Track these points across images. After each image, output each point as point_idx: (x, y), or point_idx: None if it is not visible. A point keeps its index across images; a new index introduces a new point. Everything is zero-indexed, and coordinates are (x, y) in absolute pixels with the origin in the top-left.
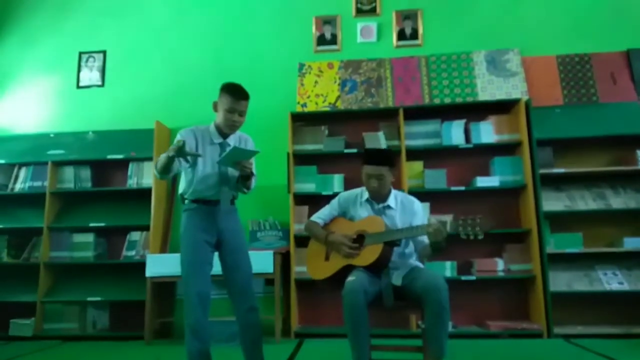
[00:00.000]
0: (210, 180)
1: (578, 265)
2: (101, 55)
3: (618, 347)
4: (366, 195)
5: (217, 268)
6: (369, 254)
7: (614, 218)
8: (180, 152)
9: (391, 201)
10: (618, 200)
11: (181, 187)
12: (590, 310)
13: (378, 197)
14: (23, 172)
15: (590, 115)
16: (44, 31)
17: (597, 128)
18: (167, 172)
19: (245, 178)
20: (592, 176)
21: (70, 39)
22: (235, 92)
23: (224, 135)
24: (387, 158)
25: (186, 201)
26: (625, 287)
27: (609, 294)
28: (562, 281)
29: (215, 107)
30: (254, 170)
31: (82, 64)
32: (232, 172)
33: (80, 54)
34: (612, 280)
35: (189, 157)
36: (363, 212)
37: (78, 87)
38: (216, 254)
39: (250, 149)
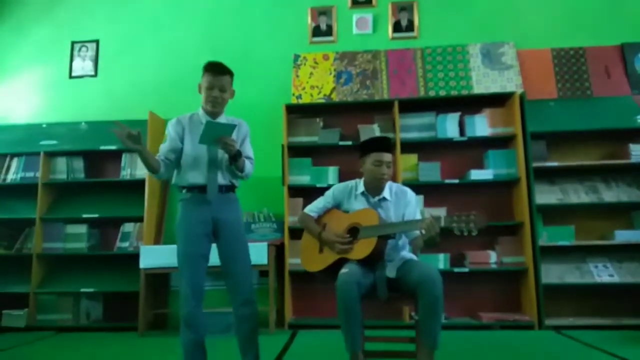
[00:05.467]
0: (199, 163)
1: (570, 258)
2: (94, 44)
3: (607, 338)
4: (361, 188)
5: (215, 259)
6: (363, 248)
7: (606, 211)
8: (130, 140)
9: (386, 193)
10: (610, 194)
11: (174, 175)
12: (581, 302)
13: (374, 190)
14: (15, 163)
15: (584, 109)
16: (36, 20)
17: (590, 122)
18: (151, 169)
19: (233, 158)
20: (585, 169)
21: (62, 28)
22: (212, 68)
23: (213, 116)
24: (392, 145)
25: (182, 190)
26: (616, 279)
27: (600, 286)
28: (554, 273)
29: (199, 88)
30: (248, 152)
31: (75, 53)
32: (223, 154)
33: (73, 43)
34: (603, 273)
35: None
36: (358, 205)
37: (70, 77)
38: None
39: (244, 130)
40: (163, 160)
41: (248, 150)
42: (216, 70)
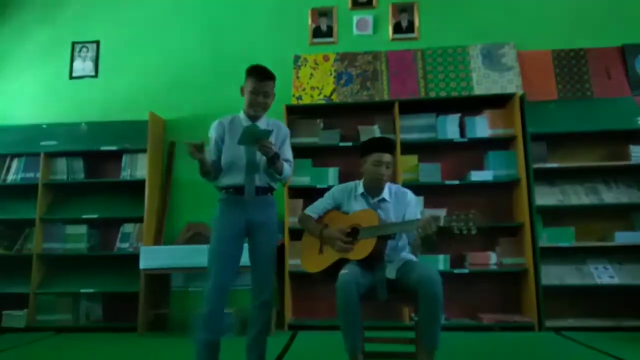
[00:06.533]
0: (238, 165)
1: (570, 259)
2: (94, 45)
3: (608, 340)
4: (361, 189)
5: (245, 259)
6: (363, 248)
7: (606, 213)
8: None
9: (386, 194)
10: (610, 195)
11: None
12: (581, 304)
13: (374, 191)
14: (15, 163)
15: (584, 110)
16: (37, 21)
17: (591, 123)
18: (207, 174)
19: (270, 161)
20: (585, 171)
21: (63, 29)
22: (258, 73)
23: (253, 119)
24: (392, 146)
25: (220, 191)
26: (616, 280)
27: (600, 287)
28: (554, 275)
29: (242, 91)
30: (287, 155)
31: (75, 54)
32: (261, 156)
33: (73, 44)
34: (603, 274)
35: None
36: (357, 206)
37: (71, 77)
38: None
39: (283, 133)
40: (214, 162)
41: (287, 153)
42: (261, 76)
